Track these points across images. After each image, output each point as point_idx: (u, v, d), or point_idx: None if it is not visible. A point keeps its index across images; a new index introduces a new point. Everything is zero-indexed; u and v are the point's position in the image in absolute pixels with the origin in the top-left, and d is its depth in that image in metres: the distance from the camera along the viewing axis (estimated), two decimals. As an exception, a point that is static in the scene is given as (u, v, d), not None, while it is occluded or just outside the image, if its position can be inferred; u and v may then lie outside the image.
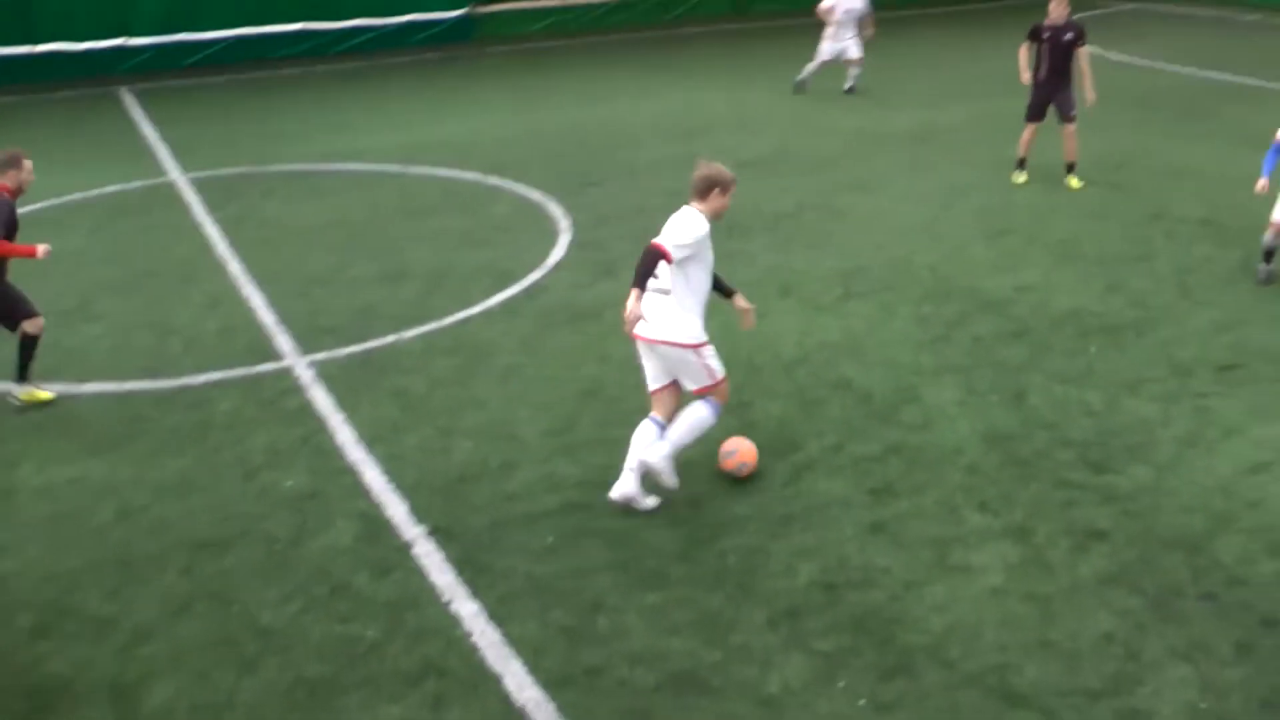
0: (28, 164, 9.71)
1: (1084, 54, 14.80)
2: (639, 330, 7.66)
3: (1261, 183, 11.53)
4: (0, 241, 9.39)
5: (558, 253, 13.02)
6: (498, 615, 6.80)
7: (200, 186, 16.30)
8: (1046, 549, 7.32)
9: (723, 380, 7.99)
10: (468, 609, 6.87)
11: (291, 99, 22.81)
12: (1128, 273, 12.03)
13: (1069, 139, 14.95)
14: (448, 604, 6.93)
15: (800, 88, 21.73)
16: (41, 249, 9.60)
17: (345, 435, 9.04)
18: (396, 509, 7.98)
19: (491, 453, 8.70)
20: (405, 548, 7.54)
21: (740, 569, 7.21)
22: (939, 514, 7.74)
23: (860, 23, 21.57)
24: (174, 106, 22.19)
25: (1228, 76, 21.86)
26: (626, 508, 7.82)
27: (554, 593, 7.01)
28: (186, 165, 17.46)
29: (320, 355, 10.53)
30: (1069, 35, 14.70)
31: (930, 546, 7.37)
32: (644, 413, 8.09)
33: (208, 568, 7.42)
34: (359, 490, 8.25)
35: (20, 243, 9.54)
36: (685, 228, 7.75)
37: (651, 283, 7.60)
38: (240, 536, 7.74)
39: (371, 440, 8.93)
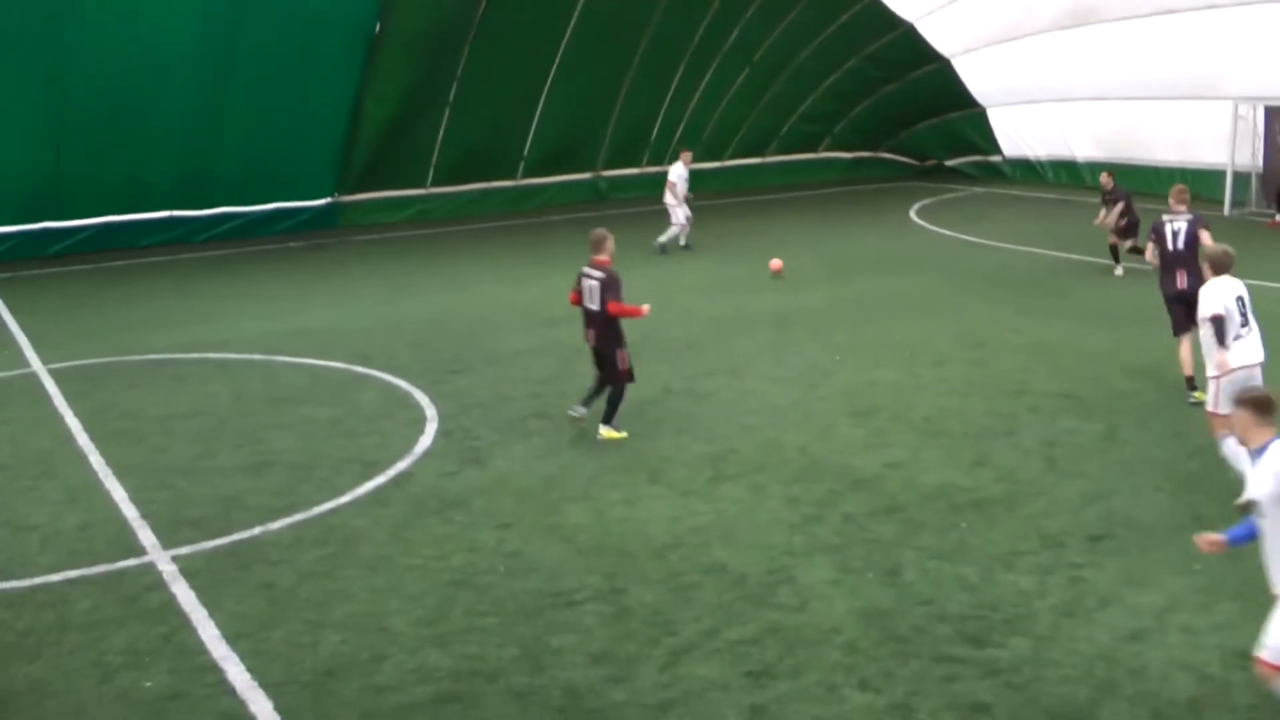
0: (610, 236, 13.03)
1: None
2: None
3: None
4: (623, 304, 12.57)
5: (425, 441, 12.98)
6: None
7: (61, 377, 16.01)
8: (929, 725, 7.35)
9: None
10: (339, 810, 6.66)
11: (157, 287, 22.69)
12: (994, 447, 12.38)
13: None
14: (318, 806, 6.72)
15: (663, 250, 24.76)
16: (645, 308, 12.82)
17: (209, 631, 8.78)
18: (262, 706, 7.74)
19: (360, 645, 8.53)
20: (272, 747, 7.32)
21: (618, 758, 7.11)
22: (820, 694, 7.75)
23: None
24: (35, 295, 21.93)
25: (1074, 256, 22.88)
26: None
27: (428, 790, 6.84)
28: (47, 356, 17.16)
29: (184, 549, 10.27)
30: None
31: (812, 728, 7.35)
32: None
33: (62, 779, 7.09)
34: (223, 689, 8.00)
35: None
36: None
37: (1241, 330, 11.28)
38: (98, 743, 7.43)
39: (236, 636, 8.69)
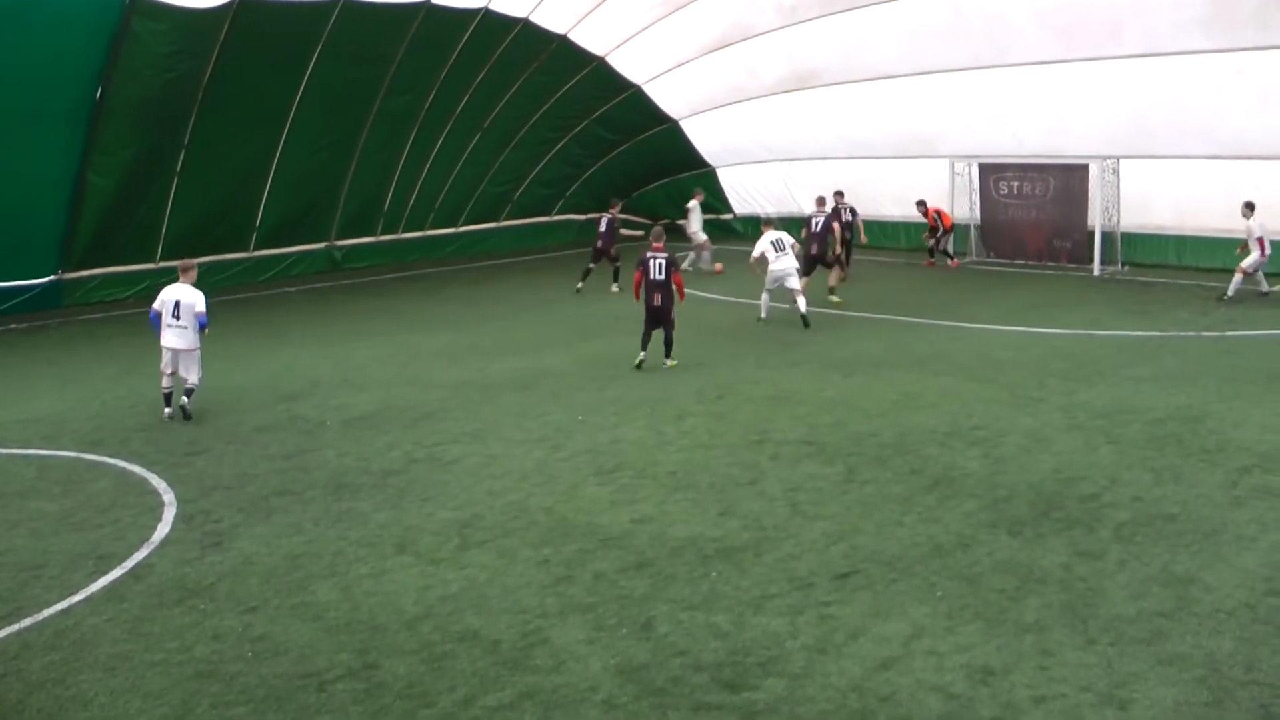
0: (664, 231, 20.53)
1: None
2: None
3: None
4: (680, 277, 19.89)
5: (163, 529, 12.53)
6: None
7: None
8: (690, 774, 7.51)
9: None
10: None
11: None
12: (739, 496, 12.78)
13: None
14: None
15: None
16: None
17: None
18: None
19: (100, 750, 8.19)
20: None
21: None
22: (577, 755, 7.82)
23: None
24: None
25: (810, 308, 23.69)
26: None
27: None
28: None
29: (-110, 677, 9.57)
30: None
31: (570, 788, 7.42)
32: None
33: None
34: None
35: None
36: None
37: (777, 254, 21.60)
38: None
39: (-44, 764, 8.19)
